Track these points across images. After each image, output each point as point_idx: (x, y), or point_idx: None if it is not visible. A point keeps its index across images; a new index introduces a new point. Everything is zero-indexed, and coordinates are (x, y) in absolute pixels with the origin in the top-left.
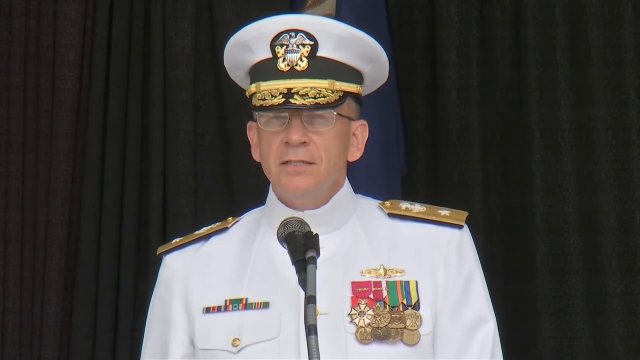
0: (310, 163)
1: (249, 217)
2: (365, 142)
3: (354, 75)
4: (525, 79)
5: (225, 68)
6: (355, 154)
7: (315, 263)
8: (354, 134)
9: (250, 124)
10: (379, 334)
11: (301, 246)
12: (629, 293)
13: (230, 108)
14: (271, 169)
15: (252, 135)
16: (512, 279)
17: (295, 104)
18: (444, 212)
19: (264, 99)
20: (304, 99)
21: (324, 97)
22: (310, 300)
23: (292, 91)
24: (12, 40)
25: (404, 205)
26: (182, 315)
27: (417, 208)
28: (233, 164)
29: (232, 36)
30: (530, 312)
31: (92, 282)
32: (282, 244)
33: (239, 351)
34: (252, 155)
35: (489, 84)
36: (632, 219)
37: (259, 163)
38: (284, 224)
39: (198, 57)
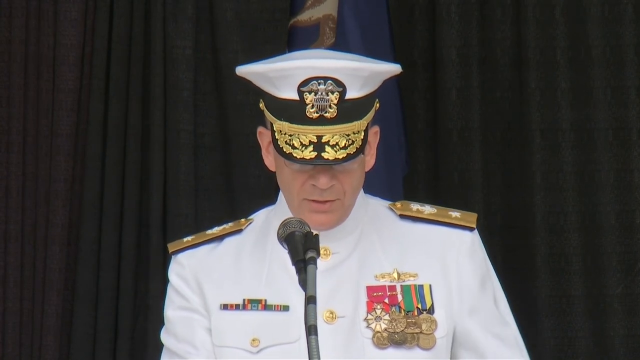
0: (334, 200)
1: (261, 218)
2: (377, 146)
3: (373, 98)
4: (526, 79)
5: (224, 66)
6: (370, 162)
7: (315, 263)
8: (367, 142)
9: (260, 129)
10: (395, 339)
11: (301, 246)
12: (629, 293)
13: (230, 108)
14: (293, 202)
15: (262, 141)
16: (512, 279)
17: (328, 159)
18: (455, 214)
19: (294, 147)
20: (336, 151)
21: (353, 142)
22: (311, 300)
23: (322, 141)
24: (12, 40)
25: (415, 206)
26: (203, 307)
27: (427, 209)
28: (233, 164)
29: (255, 64)
30: (530, 312)
31: (92, 282)
32: (282, 244)
33: (258, 351)
34: (253, 157)
35: (489, 84)
36: (632, 219)
37: (261, 163)
38: (284, 224)
39: (198, 57)
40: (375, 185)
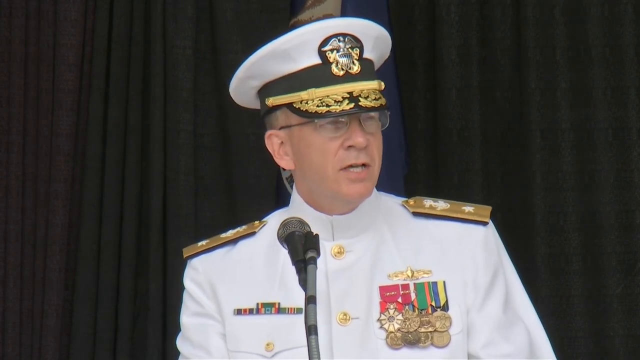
0: (368, 165)
1: (275, 220)
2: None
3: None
4: (526, 79)
5: (224, 66)
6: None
7: (315, 263)
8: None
9: (270, 132)
10: (409, 339)
11: (301, 246)
12: (629, 293)
13: (230, 108)
14: (328, 175)
15: (273, 145)
16: None
17: (366, 107)
18: (468, 208)
19: (328, 105)
20: (370, 102)
21: (380, 97)
22: (311, 300)
23: (354, 95)
24: (12, 40)
25: (428, 202)
26: (217, 312)
27: (441, 205)
28: (233, 164)
29: (262, 47)
30: None
31: (92, 282)
32: (282, 245)
33: (273, 356)
34: (253, 157)
35: (489, 84)
36: (632, 219)
37: (261, 163)
38: (284, 224)
39: (198, 57)
40: (376, 185)
